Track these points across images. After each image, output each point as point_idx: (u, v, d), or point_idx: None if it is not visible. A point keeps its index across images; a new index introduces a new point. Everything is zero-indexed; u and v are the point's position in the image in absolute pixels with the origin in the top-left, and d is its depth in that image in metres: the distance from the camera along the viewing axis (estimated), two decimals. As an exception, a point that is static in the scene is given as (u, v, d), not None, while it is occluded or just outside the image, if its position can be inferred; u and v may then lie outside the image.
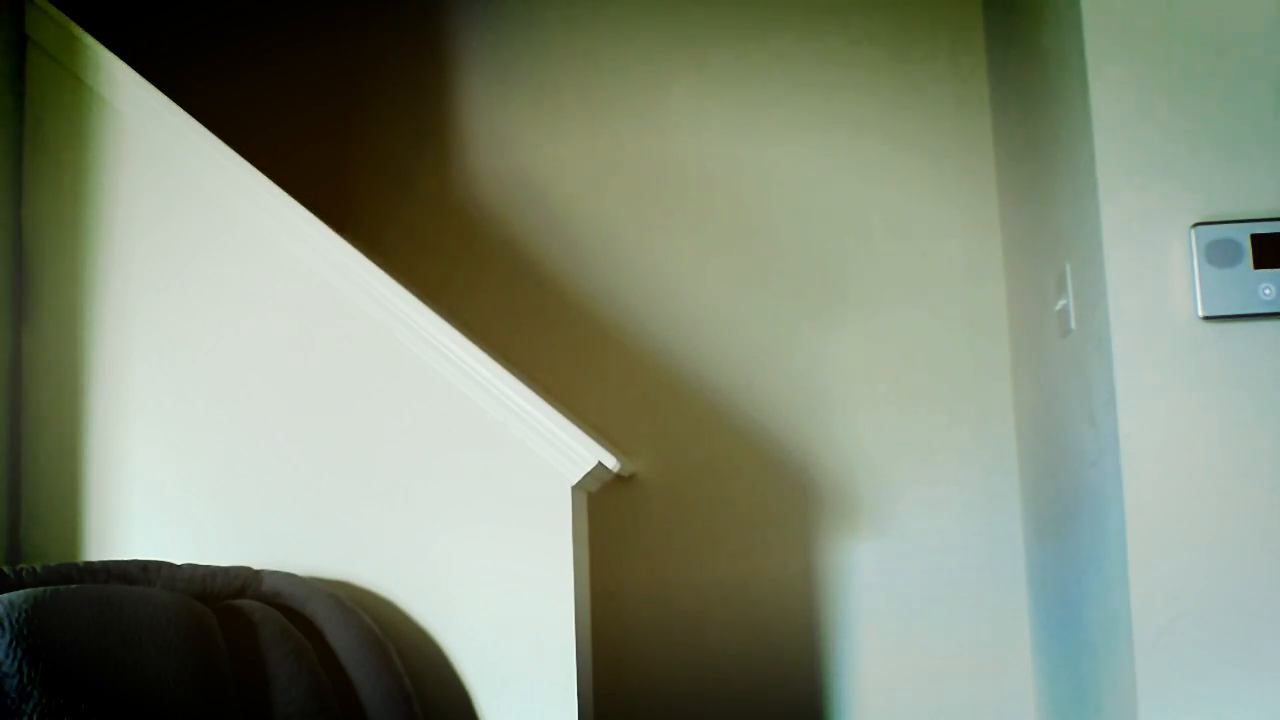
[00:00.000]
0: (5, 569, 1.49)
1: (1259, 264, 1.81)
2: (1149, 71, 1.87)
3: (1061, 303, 2.16)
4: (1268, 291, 1.80)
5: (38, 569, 1.52)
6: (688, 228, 2.83)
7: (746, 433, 2.81)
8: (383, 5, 2.99)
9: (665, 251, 2.84)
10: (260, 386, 2.00)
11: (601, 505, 2.70)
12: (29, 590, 1.43)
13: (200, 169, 2.02)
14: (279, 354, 2.00)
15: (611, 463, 1.97)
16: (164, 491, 1.98)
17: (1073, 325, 2.10)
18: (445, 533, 1.94)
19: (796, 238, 2.85)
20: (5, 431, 1.97)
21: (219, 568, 1.80)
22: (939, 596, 2.73)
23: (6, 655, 1.34)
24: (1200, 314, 1.81)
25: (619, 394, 2.78)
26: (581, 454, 1.93)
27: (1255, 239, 1.81)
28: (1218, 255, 1.81)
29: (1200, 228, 1.82)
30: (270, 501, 1.97)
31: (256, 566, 1.88)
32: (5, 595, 1.40)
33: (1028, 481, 2.66)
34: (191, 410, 2.00)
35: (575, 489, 1.95)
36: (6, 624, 1.36)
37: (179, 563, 1.75)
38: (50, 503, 1.98)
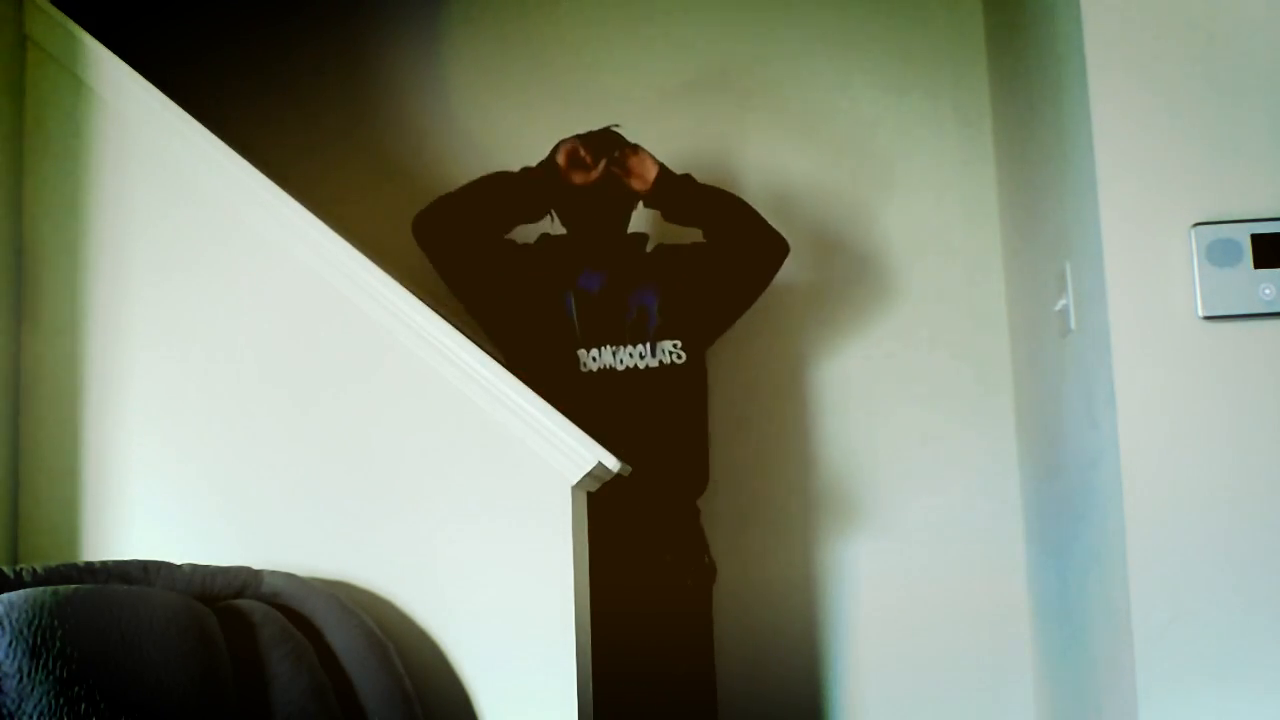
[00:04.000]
0: (5, 569, 1.49)
1: (1259, 264, 1.81)
2: (1149, 71, 1.87)
3: (1061, 303, 2.16)
4: (1268, 291, 1.80)
5: (38, 569, 1.51)
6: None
7: (746, 433, 2.81)
8: (380, 3, 2.99)
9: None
10: (260, 386, 1.99)
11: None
12: (29, 590, 1.43)
13: (200, 168, 2.02)
14: (279, 354, 2.00)
15: (612, 463, 1.97)
16: (163, 491, 1.98)
17: (1073, 325, 2.10)
18: (445, 532, 1.94)
19: (795, 238, 2.85)
20: (5, 431, 1.97)
21: (219, 568, 1.80)
22: (939, 596, 2.72)
23: (6, 655, 1.34)
24: (1200, 314, 1.81)
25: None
26: (581, 454, 1.93)
27: (1255, 239, 1.81)
28: (1218, 255, 1.81)
29: (1200, 228, 1.82)
30: (270, 501, 1.97)
31: (256, 566, 1.88)
32: (5, 595, 1.40)
33: (1028, 481, 2.66)
34: (191, 409, 2.00)
35: (575, 489, 1.95)
36: (6, 624, 1.36)
37: (179, 563, 1.75)
38: (49, 503, 1.98)
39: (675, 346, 2.41)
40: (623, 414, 2.33)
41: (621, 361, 2.39)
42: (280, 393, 1.99)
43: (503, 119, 2.89)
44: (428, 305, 2.00)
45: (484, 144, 2.83)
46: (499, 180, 2.45)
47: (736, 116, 2.89)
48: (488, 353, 2.01)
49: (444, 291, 2.61)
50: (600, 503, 2.15)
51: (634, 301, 2.44)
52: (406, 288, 2.00)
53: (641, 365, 2.39)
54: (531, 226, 2.53)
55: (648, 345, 2.40)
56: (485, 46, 2.96)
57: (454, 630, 1.92)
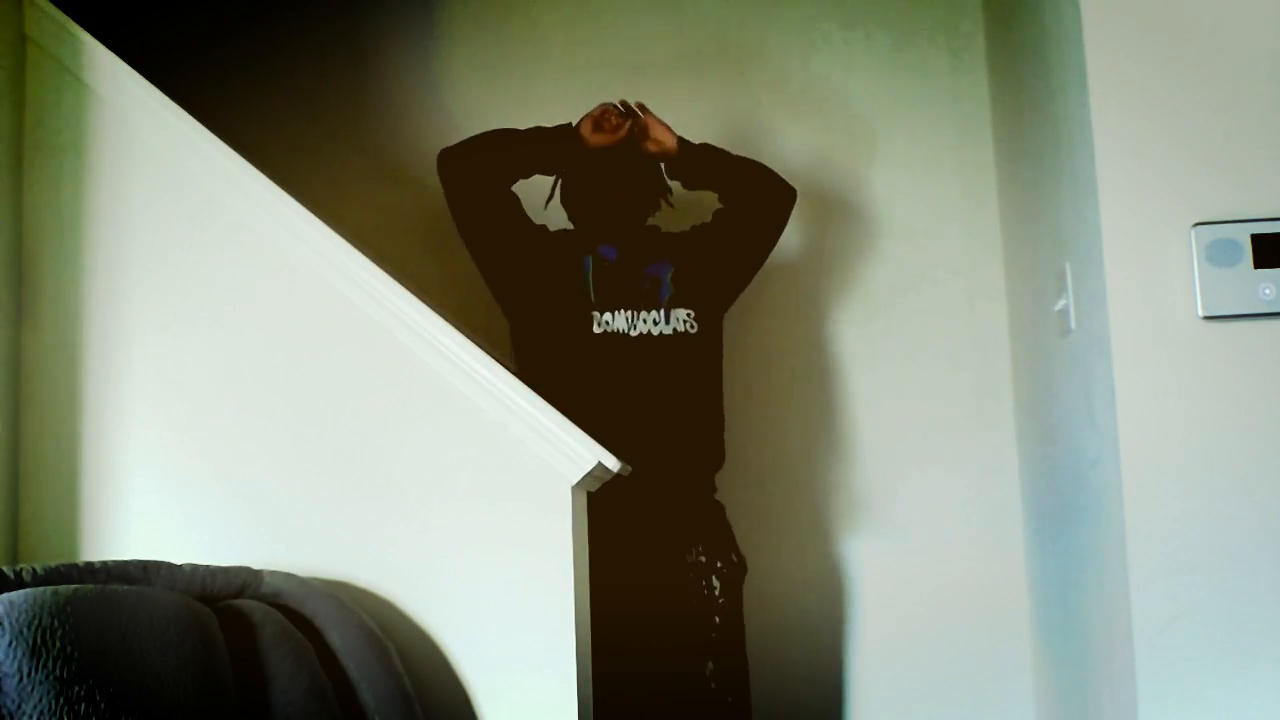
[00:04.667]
0: (5, 569, 1.49)
1: (1259, 264, 1.80)
2: (1149, 71, 1.87)
3: (1061, 303, 2.16)
4: (1268, 291, 1.80)
5: (38, 569, 1.51)
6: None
7: (745, 430, 2.80)
8: (378, 1, 2.99)
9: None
10: (259, 386, 1.99)
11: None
12: (29, 590, 1.43)
13: (201, 169, 2.02)
14: (278, 354, 2.00)
15: (612, 463, 1.97)
16: (163, 491, 1.98)
17: (1073, 325, 2.10)
18: (445, 532, 1.94)
19: (794, 238, 2.85)
20: (5, 432, 1.97)
21: (219, 568, 1.80)
22: (939, 596, 2.72)
23: (6, 655, 1.34)
24: (1200, 314, 1.81)
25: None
26: (581, 454, 1.93)
27: (1255, 239, 1.81)
28: (1218, 255, 1.81)
29: (1200, 228, 1.82)
30: (270, 501, 1.97)
31: (257, 566, 1.88)
32: (5, 595, 1.40)
33: (1028, 481, 2.66)
34: (191, 410, 2.00)
35: (575, 489, 1.95)
36: (6, 624, 1.36)
37: (179, 563, 1.75)
38: (49, 503, 1.98)
39: (689, 316, 2.43)
40: (634, 381, 2.36)
41: (635, 327, 2.40)
42: (279, 393, 1.99)
43: (500, 117, 2.89)
44: (428, 305, 2.00)
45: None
46: (518, 131, 2.48)
47: (731, 113, 2.89)
48: (490, 353, 2.01)
49: (443, 291, 2.61)
50: (620, 490, 2.16)
51: (649, 272, 2.45)
52: (405, 287, 2.00)
53: (655, 332, 2.40)
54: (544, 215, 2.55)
55: (661, 312, 2.41)
56: (482, 44, 2.96)
57: (454, 630, 1.92)
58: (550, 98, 2.89)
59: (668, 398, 2.39)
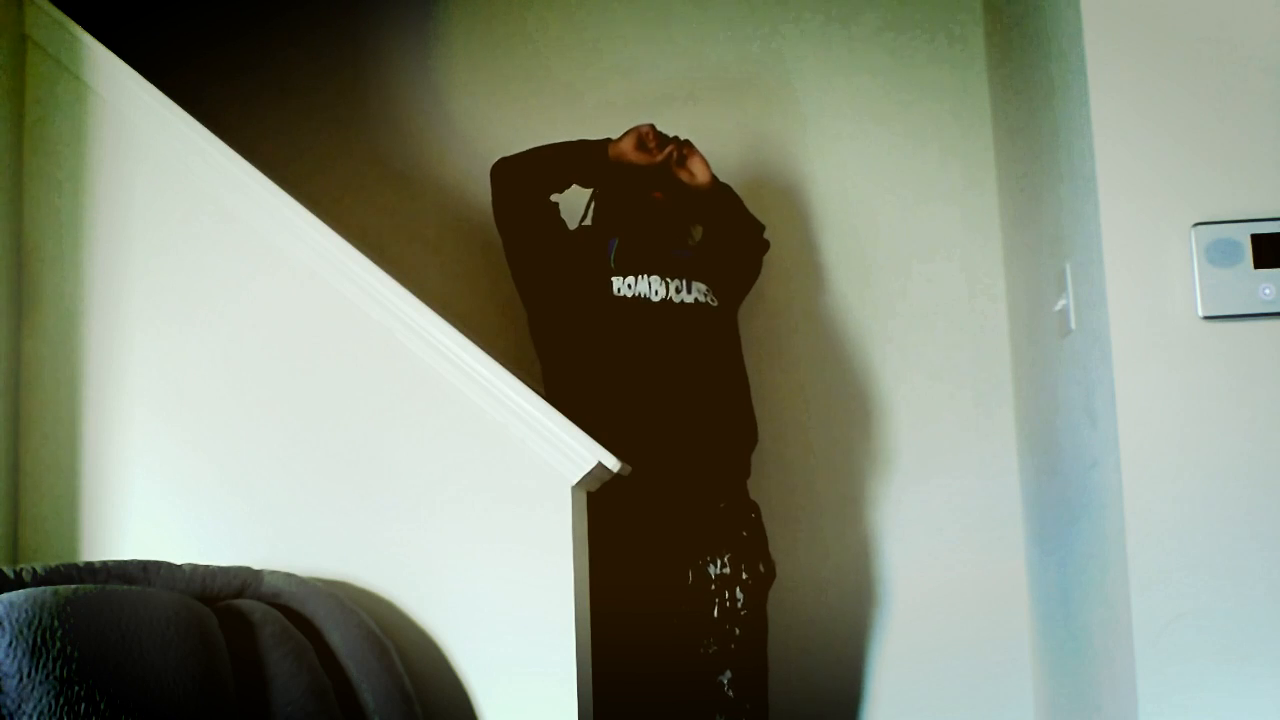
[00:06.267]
0: (5, 569, 1.49)
1: (1259, 264, 1.80)
2: (1149, 71, 1.87)
3: (1061, 303, 2.16)
4: (1268, 291, 1.80)
5: (38, 569, 1.52)
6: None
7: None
8: (378, 2, 2.99)
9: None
10: (259, 386, 2.00)
11: (601, 505, 2.70)
12: (29, 590, 1.43)
13: (201, 168, 2.02)
14: (278, 354, 2.00)
15: (612, 463, 1.97)
16: (163, 491, 1.98)
17: (1073, 325, 2.10)
18: (445, 532, 1.94)
19: (796, 240, 2.85)
20: (5, 432, 1.97)
21: (219, 568, 1.80)
22: (939, 597, 2.72)
23: (6, 655, 1.34)
24: (1200, 314, 1.81)
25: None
26: (581, 454, 1.93)
27: (1255, 239, 1.81)
28: (1218, 255, 1.81)
29: (1200, 228, 1.82)
30: (270, 501, 1.97)
31: (256, 566, 1.88)
32: (5, 595, 1.40)
33: (1028, 481, 2.66)
34: (190, 411, 2.00)
35: (575, 489, 1.95)
36: (6, 624, 1.36)
37: (179, 563, 1.75)
38: (49, 503, 1.98)
39: (707, 290, 2.45)
40: (662, 347, 2.36)
41: (656, 293, 2.40)
42: (279, 393, 1.99)
43: (499, 118, 2.89)
44: (428, 306, 2.00)
45: (480, 144, 2.83)
46: (564, 144, 2.50)
47: (733, 115, 2.90)
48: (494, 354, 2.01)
49: (443, 292, 2.61)
50: (652, 478, 2.19)
51: (674, 254, 2.48)
52: (405, 287, 2.00)
53: (676, 299, 2.40)
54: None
55: (684, 281, 2.42)
56: (482, 46, 2.96)
57: (454, 630, 1.92)
58: (550, 97, 2.90)
59: (697, 365, 2.38)
